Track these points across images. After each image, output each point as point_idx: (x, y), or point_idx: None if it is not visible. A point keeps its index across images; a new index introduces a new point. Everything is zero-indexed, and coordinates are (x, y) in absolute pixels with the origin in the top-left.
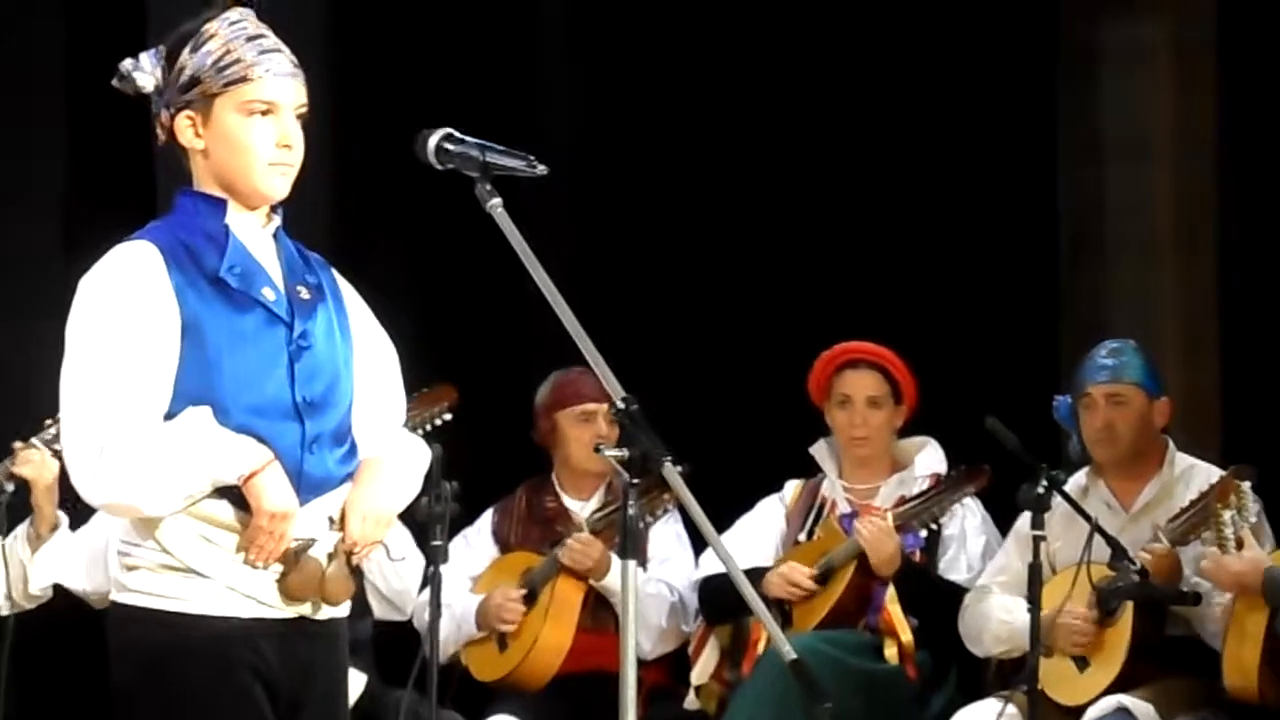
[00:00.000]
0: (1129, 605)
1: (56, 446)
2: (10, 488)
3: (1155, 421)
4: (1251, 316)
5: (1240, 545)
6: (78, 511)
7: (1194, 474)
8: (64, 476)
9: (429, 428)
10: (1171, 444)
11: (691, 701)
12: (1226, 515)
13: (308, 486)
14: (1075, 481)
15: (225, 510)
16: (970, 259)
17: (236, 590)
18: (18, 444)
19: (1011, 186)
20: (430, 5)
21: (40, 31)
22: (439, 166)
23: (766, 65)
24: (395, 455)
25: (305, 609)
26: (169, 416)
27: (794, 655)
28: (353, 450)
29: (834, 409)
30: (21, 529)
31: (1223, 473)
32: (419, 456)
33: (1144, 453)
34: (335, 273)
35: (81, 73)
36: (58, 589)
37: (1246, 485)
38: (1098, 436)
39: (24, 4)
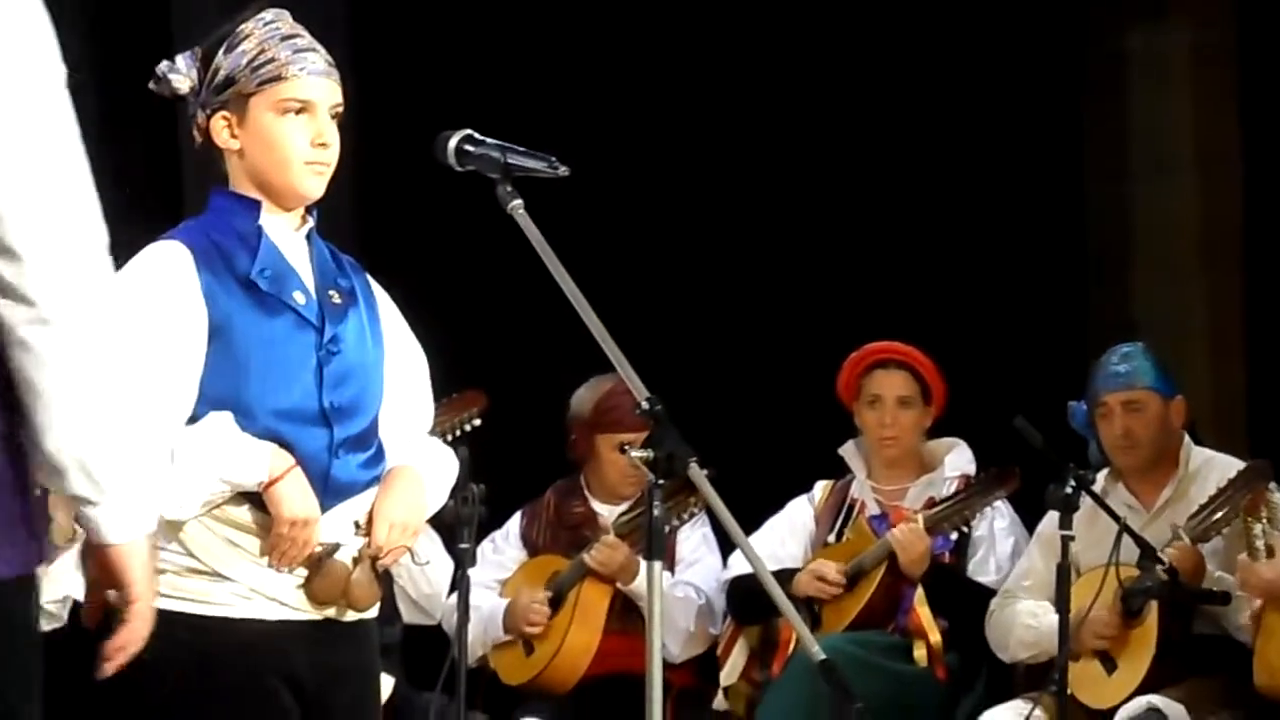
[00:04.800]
0: (1154, 605)
1: None
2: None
3: (1173, 422)
4: (1278, 326)
5: (1271, 553)
6: None
7: (1211, 467)
8: None
9: (457, 433)
10: (1188, 440)
11: (720, 703)
12: (1258, 527)
13: (334, 491)
14: (1095, 484)
15: (249, 514)
16: (999, 263)
17: (262, 593)
18: None
19: (1040, 196)
20: (453, 7)
21: (64, 32)
22: (459, 168)
23: (801, 71)
24: (424, 462)
25: (331, 612)
26: (194, 419)
27: (823, 656)
28: (379, 455)
29: (863, 409)
30: None
31: (1240, 464)
32: (447, 464)
33: (1164, 454)
34: (369, 277)
35: (108, 74)
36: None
37: (1277, 495)
38: (1117, 444)
39: (47, 6)
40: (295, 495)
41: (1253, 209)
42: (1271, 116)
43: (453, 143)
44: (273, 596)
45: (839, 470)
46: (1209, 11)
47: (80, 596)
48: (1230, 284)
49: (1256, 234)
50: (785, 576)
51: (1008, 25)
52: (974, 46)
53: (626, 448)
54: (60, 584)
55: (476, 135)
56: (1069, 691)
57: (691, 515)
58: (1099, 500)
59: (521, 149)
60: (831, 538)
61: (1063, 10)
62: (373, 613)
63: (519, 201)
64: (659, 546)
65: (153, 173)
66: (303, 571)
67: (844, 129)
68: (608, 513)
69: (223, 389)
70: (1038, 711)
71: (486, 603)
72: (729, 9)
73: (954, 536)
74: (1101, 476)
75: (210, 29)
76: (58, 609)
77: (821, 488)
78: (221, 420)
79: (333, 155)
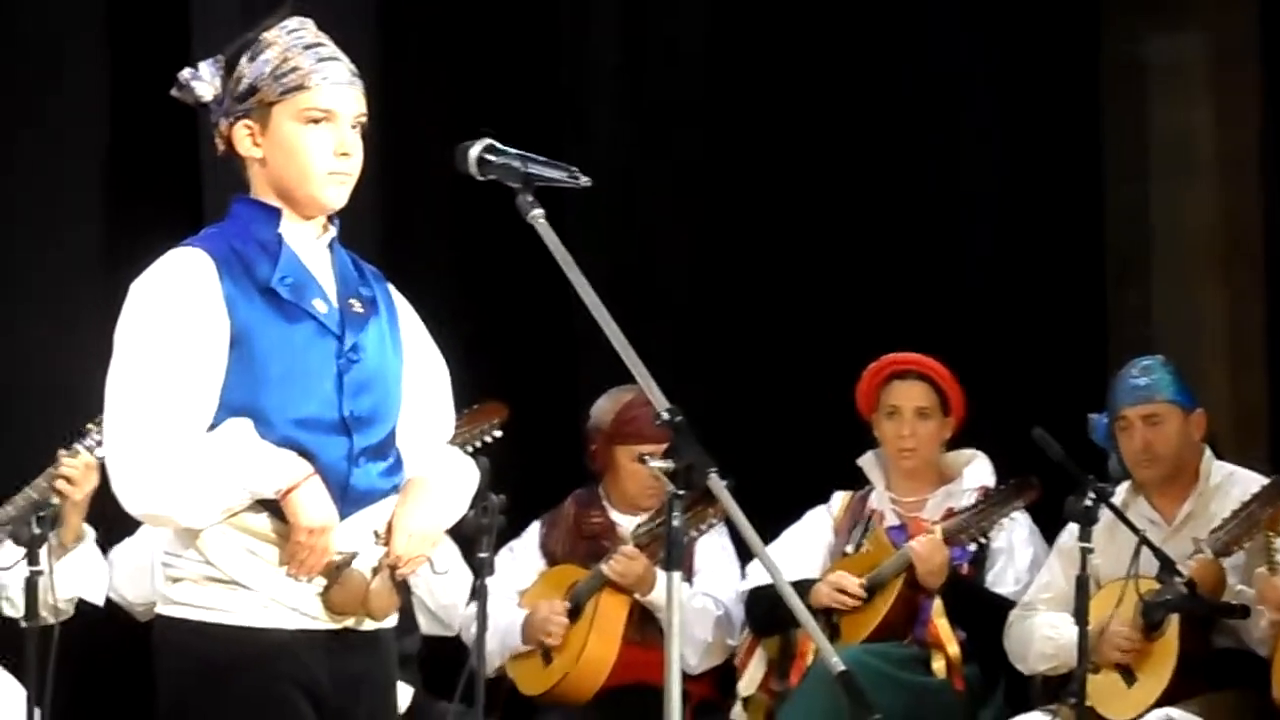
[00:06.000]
0: (1174, 618)
1: (99, 452)
2: (56, 500)
3: (1193, 435)
4: None
5: None
6: (112, 528)
7: (1233, 482)
8: (103, 492)
9: (478, 444)
10: (1209, 453)
11: (738, 714)
12: (1278, 542)
13: (352, 499)
14: (1116, 496)
15: (268, 522)
16: (1018, 271)
17: (281, 602)
18: (62, 452)
19: (1059, 202)
20: (479, 18)
21: (83, 39)
22: (480, 178)
23: (816, 83)
24: (444, 473)
25: (350, 621)
26: (213, 427)
27: (842, 667)
28: (398, 464)
29: (882, 420)
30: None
31: (1263, 480)
32: (468, 475)
33: (1184, 467)
34: (390, 286)
35: (125, 80)
36: (93, 603)
37: None
38: (1138, 458)
39: (67, 12)
40: (313, 503)
41: (1274, 214)
42: None
43: (474, 152)
44: (292, 606)
45: (858, 481)
46: (1230, 14)
47: (88, 596)
48: (1251, 290)
49: (1277, 237)
50: (803, 587)
51: (1026, 29)
52: (992, 50)
53: (647, 458)
54: (68, 582)
55: (498, 145)
56: (1088, 704)
57: (711, 526)
58: (1118, 513)
59: (542, 159)
60: (850, 548)
61: (1081, 13)
62: (391, 622)
63: (540, 211)
64: (678, 557)
65: (172, 179)
66: (321, 581)
67: (861, 138)
68: (626, 523)
69: (243, 397)
70: None
71: (505, 613)
72: (742, 22)
73: (972, 548)
74: (1122, 489)
75: (230, 35)
76: (67, 607)
77: (840, 498)
78: (240, 427)
79: (355, 165)
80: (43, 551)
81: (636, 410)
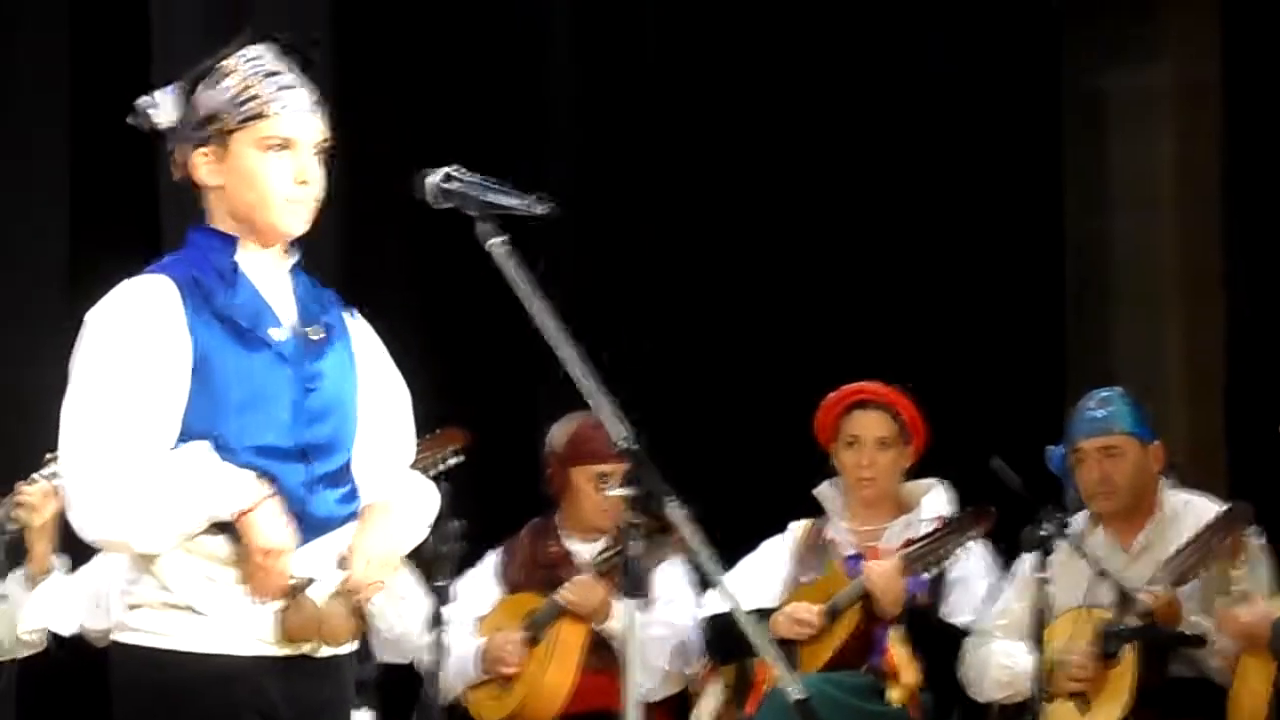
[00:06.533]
0: (1130, 647)
1: (58, 482)
2: (13, 528)
3: (1151, 467)
4: (1257, 363)
5: (1248, 597)
6: (78, 553)
7: (1189, 510)
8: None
9: (437, 470)
10: (1164, 482)
11: None
12: (1236, 572)
13: (310, 526)
14: (1074, 526)
15: (225, 546)
16: (978, 303)
17: (237, 628)
18: (20, 484)
19: (1018, 233)
20: (437, 39)
21: (43, 64)
22: (436, 205)
23: (774, 112)
24: (403, 498)
25: (307, 648)
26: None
27: (799, 694)
28: (354, 490)
29: (841, 449)
30: (19, 572)
31: (1218, 507)
32: (428, 499)
33: (1142, 498)
34: (353, 311)
35: (85, 106)
36: (55, 633)
37: (1256, 540)
38: (1095, 490)
39: (29, 36)
40: (269, 524)
41: (1233, 246)
42: (1252, 154)
43: (432, 180)
44: (250, 632)
45: (815, 510)
46: (1192, 48)
47: (55, 628)
48: (1210, 322)
49: (1236, 272)
50: (760, 617)
51: (987, 61)
52: (953, 82)
53: (607, 484)
54: (38, 614)
55: (456, 173)
56: None
57: (668, 555)
58: (1074, 544)
59: (501, 186)
60: (806, 579)
61: (1042, 46)
62: (349, 648)
63: (499, 239)
64: (637, 585)
65: (132, 202)
66: (279, 605)
67: (822, 168)
68: (583, 551)
69: (203, 423)
70: None
71: (462, 641)
72: (710, 48)
73: (927, 577)
74: (1080, 518)
75: (191, 61)
76: (36, 638)
77: (797, 528)
78: (198, 450)
79: (315, 192)
80: (14, 581)
81: (590, 431)
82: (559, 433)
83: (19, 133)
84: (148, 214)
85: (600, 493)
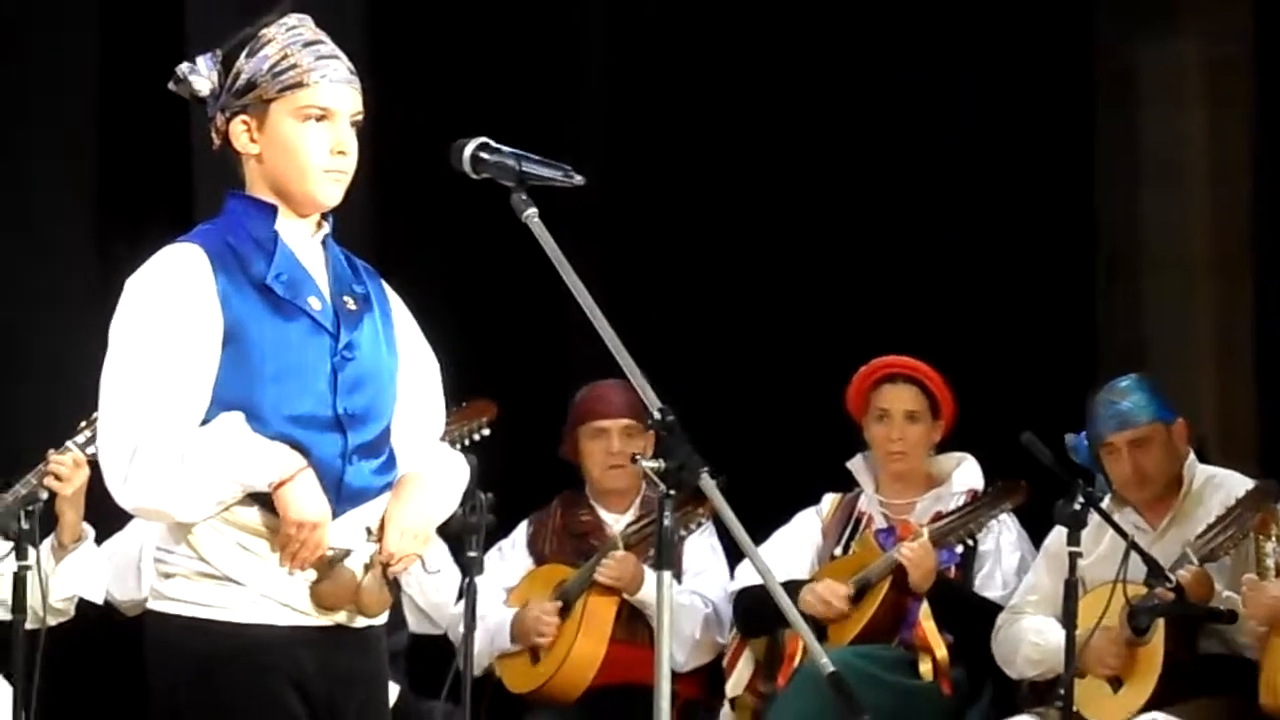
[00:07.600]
0: (1161, 623)
1: (90, 450)
2: (45, 496)
3: (1178, 447)
4: None
5: (1279, 572)
6: (106, 522)
7: (1216, 485)
8: (95, 488)
9: (467, 442)
10: (1192, 457)
11: (726, 714)
12: (1268, 546)
13: (347, 497)
14: (1103, 502)
15: (259, 517)
16: (1009, 277)
17: (272, 598)
18: (52, 452)
19: (1050, 206)
20: (471, 14)
21: (74, 32)
22: (474, 176)
23: (807, 85)
24: (435, 469)
25: (341, 618)
26: (206, 423)
27: (832, 667)
28: (391, 461)
29: (872, 423)
30: (48, 541)
31: (1248, 482)
32: (459, 471)
33: (1173, 479)
34: (383, 282)
35: (116, 74)
36: (84, 602)
37: None
38: (1129, 481)
39: (59, 6)
40: (305, 496)
41: (1264, 221)
42: None
43: (468, 151)
44: (284, 602)
45: (847, 483)
46: (1223, 22)
47: (88, 595)
48: (1241, 296)
49: (1267, 245)
50: (792, 589)
51: (1018, 35)
52: (984, 56)
53: (638, 457)
54: (69, 582)
55: (492, 143)
56: (1074, 708)
57: (699, 525)
58: (1107, 516)
59: (537, 157)
60: (838, 551)
61: (1074, 20)
62: (382, 619)
63: (534, 210)
64: (669, 557)
65: (164, 172)
66: (313, 575)
67: (854, 142)
68: (614, 521)
69: (236, 393)
70: None
71: (493, 612)
72: (734, 26)
73: (959, 550)
74: (1106, 499)
75: (225, 30)
76: (66, 606)
77: (829, 501)
78: (232, 420)
79: (351, 163)
80: (42, 549)
81: (596, 391)
82: (575, 400)
83: (51, 103)
84: (180, 184)
85: (599, 446)
